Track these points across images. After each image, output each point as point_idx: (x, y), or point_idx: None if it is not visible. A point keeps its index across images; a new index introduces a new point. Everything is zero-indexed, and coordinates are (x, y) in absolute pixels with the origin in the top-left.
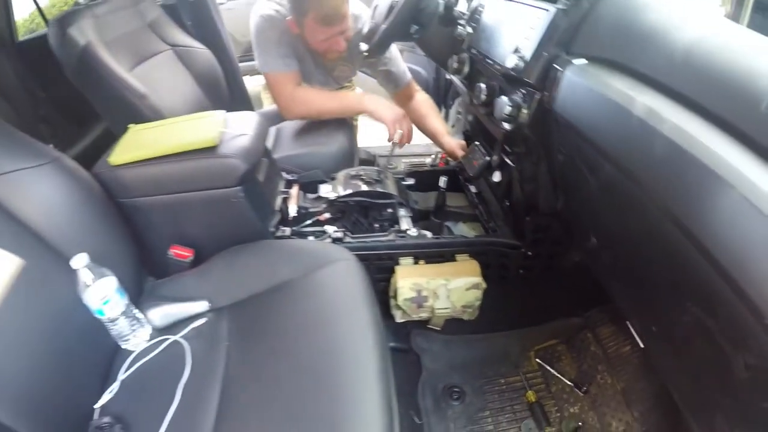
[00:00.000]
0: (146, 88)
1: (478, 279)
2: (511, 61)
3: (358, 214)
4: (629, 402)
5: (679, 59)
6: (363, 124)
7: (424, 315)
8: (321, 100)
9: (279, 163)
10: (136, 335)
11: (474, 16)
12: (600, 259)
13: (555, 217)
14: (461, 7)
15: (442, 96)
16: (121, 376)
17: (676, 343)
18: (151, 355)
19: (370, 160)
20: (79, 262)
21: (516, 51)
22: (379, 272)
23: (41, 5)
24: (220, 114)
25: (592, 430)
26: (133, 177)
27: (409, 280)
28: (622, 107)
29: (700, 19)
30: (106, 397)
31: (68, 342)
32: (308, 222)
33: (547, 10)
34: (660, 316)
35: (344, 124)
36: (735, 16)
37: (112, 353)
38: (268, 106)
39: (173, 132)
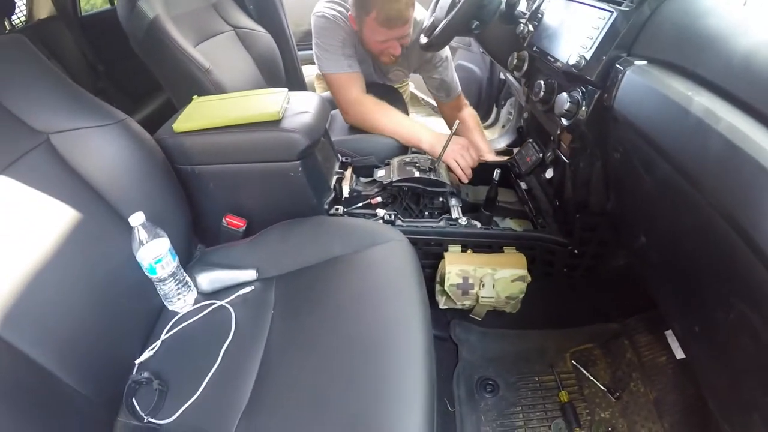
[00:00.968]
0: (210, 64)
1: (524, 272)
2: (572, 59)
3: (410, 200)
4: (660, 412)
5: (738, 64)
6: (414, 116)
7: (467, 303)
8: (379, 116)
9: (335, 146)
10: (182, 298)
11: (536, 15)
12: (647, 259)
13: (604, 217)
14: (522, 6)
15: (495, 95)
16: (164, 335)
17: (719, 342)
18: (196, 318)
19: (422, 151)
20: (137, 219)
21: (578, 49)
22: (426, 258)
23: None
24: (283, 91)
25: None
26: (195, 145)
27: (457, 266)
28: (680, 106)
29: (761, 25)
30: (147, 353)
31: (117, 297)
32: (359, 204)
33: (610, 12)
34: (704, 314)
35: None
36: None
37: (157, 313)
38: (322, 93)
39: (237, 104)
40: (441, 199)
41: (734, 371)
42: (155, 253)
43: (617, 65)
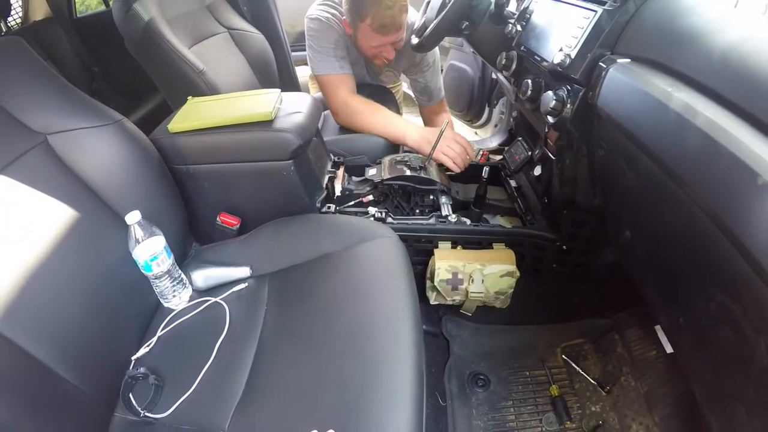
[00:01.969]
0: (204, 65)
1: (512, 267)
2: (557, 58)
3: (401, 198)
4: (651, 406)
5: (717, 60)
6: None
7: (457, 298)
8: (366, 116)
9: (327, 146)
10: (178, 295)
11: (524, 15)
12: (632, 253)
13: (591, 213)
14: (512, 6)
15: (487, 95)
16: (160, 331)
17: (702, 333)
18: (191, 314)
19: (414, 151)
20: (133, 218)
21: (563, 49)
22: (417, 255)
23: None
24: (276, 91)
25: (612, 430)
26: (190, 144)
27: (447, 262)
28: (660, 102)
29: (740, 23)
30: (143, 350)
31: (114, 295)
32: (351, 203)
33: (594, 11)
34: (687, 306)
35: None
36: None
37: (153, 310)
38: (315, 94)
39: (230, 105)
40: (431, 197)
41: (717, 361)
42: (151, 251)
43: (601, 63)
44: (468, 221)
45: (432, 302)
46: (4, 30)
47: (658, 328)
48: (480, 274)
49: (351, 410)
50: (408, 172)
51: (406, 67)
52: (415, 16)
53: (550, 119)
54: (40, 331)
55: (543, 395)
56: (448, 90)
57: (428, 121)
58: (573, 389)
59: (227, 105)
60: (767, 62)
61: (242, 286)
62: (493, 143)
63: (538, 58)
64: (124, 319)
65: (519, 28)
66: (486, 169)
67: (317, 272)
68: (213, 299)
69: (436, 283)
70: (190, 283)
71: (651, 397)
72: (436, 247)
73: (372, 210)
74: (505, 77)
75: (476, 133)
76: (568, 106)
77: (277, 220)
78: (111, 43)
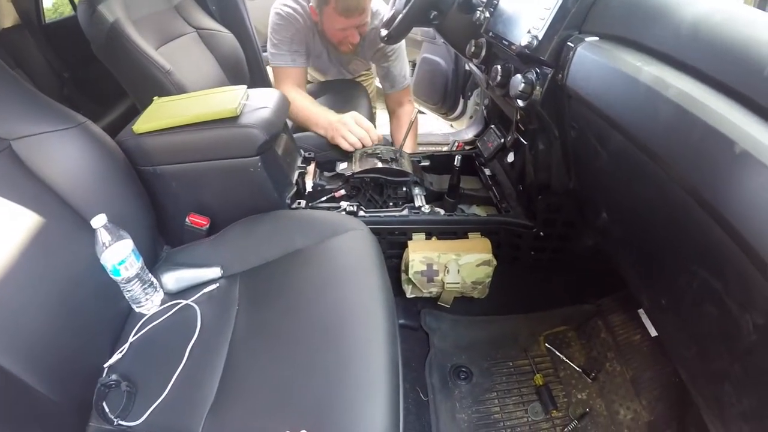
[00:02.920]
0: (171, 65)
1: (488, 256)
2: (525, 40)
3: (373, 191)
4: (638, 391)
5: (687, 33)
6: (382, 112)
7: (434, 290)
8: (298, 108)
9: (298, 142)
10: (149, 299)
11: (492, 2)
12: (611, 235)
13: (567, 197)
14: None
15: (461, 86)
16: (132, 337)
17: (685, 312)
18: (162, 318)
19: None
20: (99, 221)
21: (530, 31)
22: (392, 248)
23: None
24: (242, 88)
25: (599, 416)
26: (155, 145)
27: (421, 253)
28: (630, 77)
29: None
30: (116, 356)
31: (83, 302)
32: (324, 198)
33: None
34: (669, 284)
35: (364, 108)
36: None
37: (125, 316)
38: None
39: (196, 103)
40: (404, 189)
41: (702, 341)
42: (119, 255)
43: (569, 43)
44: (442, 211)
45: (408, 295)
46: None
47: (641, 311)
48: (455, 264)
49: (324, 406)
50: (379, 165)
51: (372, 55)
52: (378, 5)
53: (520, 103)
54: (7, 341)
55: (527, 385)
56: (421, 83)
57: (392, 113)
58: (558, 377)
59: (193, 103)
60: (737, 32)
61: (213, 287)
62: (469, 134)
63: (506, 43)
64: (94, 326)
65: (487, 14)
66: (458, 158)
67: (288, 268)
68: (184, 302)
69: (411, 276)
70: (161, 286)
71: (637, 381)
72: (410, 239)
73: (344, 204)
74: (476, 65)
75: (452, 126)
76: (538, 88)
77: (247, 218)
78: (81, 49)
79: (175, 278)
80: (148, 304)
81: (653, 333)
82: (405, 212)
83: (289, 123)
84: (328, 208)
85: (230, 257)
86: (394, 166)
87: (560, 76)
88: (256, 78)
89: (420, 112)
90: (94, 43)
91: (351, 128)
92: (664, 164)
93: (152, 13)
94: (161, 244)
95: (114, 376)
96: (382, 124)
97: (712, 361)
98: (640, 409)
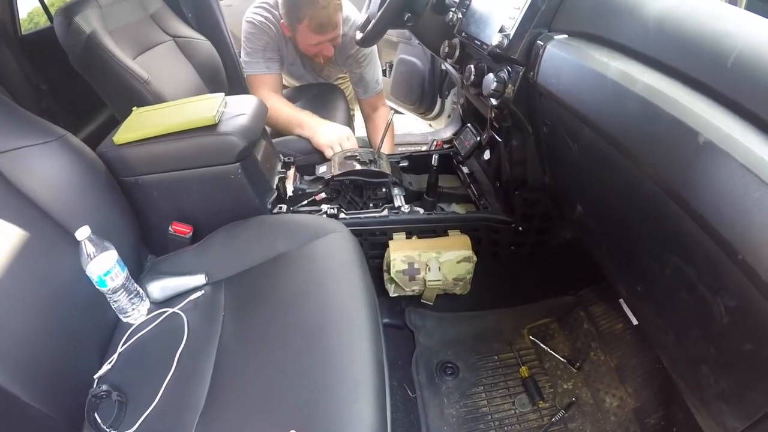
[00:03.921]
0: (149, 75)
1: (469, 252)
2: (496, 40)
3: (353, 193)
4: (623, 378)
5: (652, 27)
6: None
7: (416, 288)
8: (278, 113)
9: (277, 147)
10: (135, 309)
11: (464, 2)
12: (587, 227)
13: (543, 192)
14: None
15: (438, 86)
16: (121, 347)
17: (661, 299)
18: (150, 327)
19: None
20: (83, 233)
21: (501, 30)
22: (373, 248)
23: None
24: (220, 95)
25: (585, 405)
26: (136, 155)
27: (401, 252)
28: (598, 73)
29: None
30: (105, 367)
31: (70, 314)
32: (305, 202)
33: None
34: (644, 273)
35: (341, 111)
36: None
37: (112, 326)
38: None
39: (175, 112)
40: (384, 190)
41: (678, 326)
42: (104, 266)
43: (539, 41)
44: (421, 211)
45: (392, 294)
46: None
47: (622, 301)
48: (436, 261)
49: (312, 408)
50: (358, 167)
51: (344, 60)
52: (348, 11)
53: (494, 101)
54: None
55: (513, 378)
56: (398, 84)
57: (367, 118)
58: (543, 369)
59: (171, 112)
60: (701, 25)
61: (198, 294)
62: (447, 133)
63: (479, 43)
64: (82, 337)
65: (459, 15)
66: (435, 157)
67: (272, 273)
68: (170, 310)
69: (392, 275)
70: (147, 295)
71: (622, 369)
72: (391, 239)
73: (324, 207)
74: (451, 65)
75: (430, 125)
76: (510, 86)
77: (229, 224)
78: (58, 60)
79: (160, 287)
80: (135, 313)
81: (634, 321)
82: (385, 213)
83: (268, 129)
84: (309, 212)
85: (214, 264)
86: (372, 168)
87: (531, 74)
88: (234, 84)
89: (398, 112)
90: (72, 54)
91: (334, 146)
92: (633, 157)
93: (129, 23)
94: (145, 254)
95: (104, 387)
96: (361, 127)
97: (690, 346)
98: (625, 396)
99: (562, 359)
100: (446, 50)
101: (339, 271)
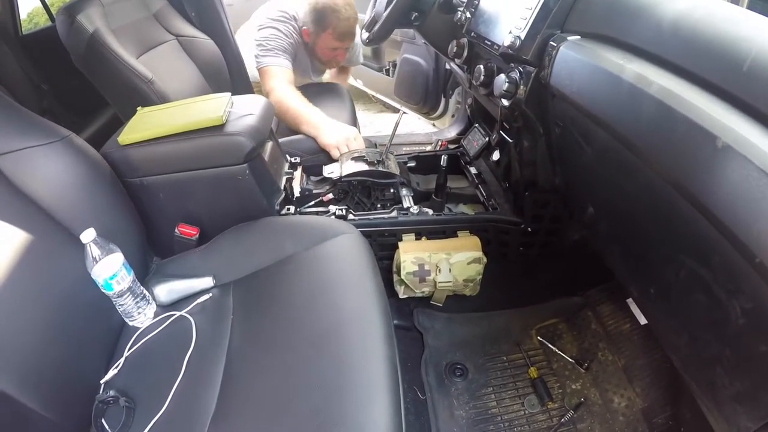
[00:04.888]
0: (152, 74)
1: (479, 253)
2: (507, 40)
3: (361, 194)
4: (630, 378)
5: (668, 30)
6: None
7: (426, 290)
8: (287, 104)
9: (283, 147)
10: (142, 312)
11: (472, 2)
12: (598, 229)
13: (553, 193)
14: None
15: (442, 86)
16: (127, 352)
17: (674, 301)
18: (157, 331)
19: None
20: (88, 236)
21: (512, 31)
22: (382, 249)
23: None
24: (226, 95)
25: (594, 405)
26: (141, 156)
27: (412, 254)
28: (613, 75)
29: None
30: (111, 372)
31: (75, 318)
32: (312, 203)
33: None
34: (657, 275)
35: (347, 111)
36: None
37: (118, 330)
38: None
39: (180, 112)
40: (392, 190)
41: (692, 328)
42: (110, 269)
43: (551, 42)
44: (430, 211)
45: (401, 296)
46: None
47: (629, 301)
48: (447, 263)
49: (327, 412)
50: (366, 167)
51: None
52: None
53: (505, 102)
54: None
55: (522, 378)
56: (402, 83)
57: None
58: (551, 369)
59: (177, 112)
60: (717, 28)
61: (206, 297)
62: (452, 133)
63: (489, 43)
64: (88, 342)
65: (468, 14)
66: (444, 157)
67: (281, 275)
68: (178, 313)
69: (403, 276)
70: (153, 298)
71: (629, 369)
72: (400, 240)
73: (333, 208)
74: (458, 65)
75: (434, 125)
76: (522, 87)
77: (236, 226)
78: (59, 60)
79: (167, 290)
80: (141, 317)
81: (642, 321)
82: (394, 214)
83: (274, 126)
84: (317, 213)
85: (221, 266)
86: (380, 168)
87: (544, 75)
88: (238, 84)
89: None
90: (74, 53)
91: (342, 146)
92: (648, 160)
93: (131, 21)
94: (151, 256)
95: (111, 392)
96: (365, 125)
97: (704, 347)
98: (634, 396)
99: (570, 359)
100: (454, 50)
101: (350, 274)
